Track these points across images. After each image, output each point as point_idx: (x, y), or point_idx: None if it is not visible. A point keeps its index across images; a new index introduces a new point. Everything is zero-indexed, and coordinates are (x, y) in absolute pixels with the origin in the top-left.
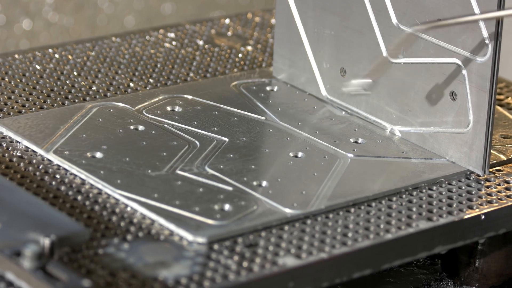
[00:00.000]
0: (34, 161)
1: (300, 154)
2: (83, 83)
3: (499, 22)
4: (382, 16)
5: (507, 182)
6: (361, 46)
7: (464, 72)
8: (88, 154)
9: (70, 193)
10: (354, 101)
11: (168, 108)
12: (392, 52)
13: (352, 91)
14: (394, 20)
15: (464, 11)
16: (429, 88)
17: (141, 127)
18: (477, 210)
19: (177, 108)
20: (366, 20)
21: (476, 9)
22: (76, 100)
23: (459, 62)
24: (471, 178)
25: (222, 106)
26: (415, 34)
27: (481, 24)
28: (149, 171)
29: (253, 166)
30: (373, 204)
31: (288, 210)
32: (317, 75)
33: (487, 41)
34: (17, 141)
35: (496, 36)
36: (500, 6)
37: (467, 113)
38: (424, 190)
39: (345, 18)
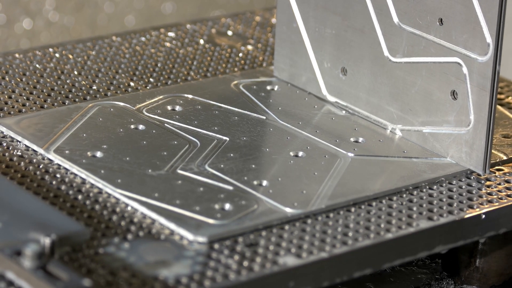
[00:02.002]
0: (34, 160)
1: (300, 154)
2: (83, 82)
3: (500, 21)
4: (383, 16)
5: (507, 181)
6: (362, 45)
7: (465, 71)
8: (89, 154)
9: (70, 192)
10: (354, 100)
11: (169, 108)
12: None
13: None
14: (395, 19)
15: (465, 10)
16: (430, 87)
17: (141, 127)
18: (477, 209)
19: (177, 108)
20: (367, 20)
21: (478, 8)
22: (77, 100)
23: (460, 61)
24: (472, 177)
25: (222, 105)
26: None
27: (483, 23)
28: (150, 170)
29: (253, 166)
30: (374, 203)
31: (288, 210)
32: (318, 75)
33: (488, 40)
34: (18, 141)
35: (498, 35)
36: (502, 5)
37: (468, 113)
38: (424, 190)
39: (346, 17)
